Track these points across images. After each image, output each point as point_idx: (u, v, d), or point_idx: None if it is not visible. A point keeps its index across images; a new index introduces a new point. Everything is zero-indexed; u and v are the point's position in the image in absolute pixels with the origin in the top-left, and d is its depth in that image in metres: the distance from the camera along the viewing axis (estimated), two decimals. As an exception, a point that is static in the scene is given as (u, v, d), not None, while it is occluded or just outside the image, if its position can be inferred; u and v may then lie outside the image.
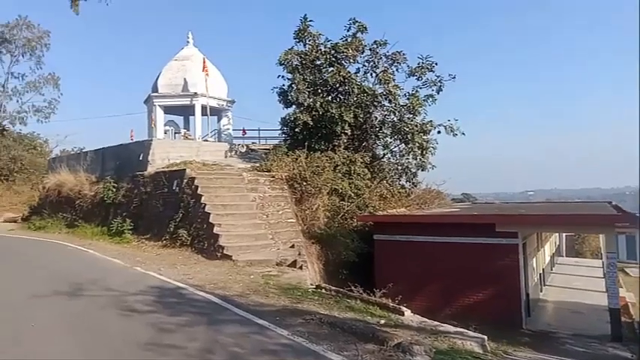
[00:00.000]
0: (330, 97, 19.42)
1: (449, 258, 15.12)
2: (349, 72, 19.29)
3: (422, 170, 21.98)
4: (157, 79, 23.97)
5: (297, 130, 18.71)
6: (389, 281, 12.61)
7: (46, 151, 39.25)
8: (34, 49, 36.49)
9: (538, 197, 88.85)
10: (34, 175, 35.22)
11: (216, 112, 24.42)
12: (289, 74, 20.51)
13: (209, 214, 13.75)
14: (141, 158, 19.26)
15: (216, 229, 13.17)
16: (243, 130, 24.55)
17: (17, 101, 35.21)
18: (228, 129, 25.04)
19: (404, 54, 20.82)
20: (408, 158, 21.64)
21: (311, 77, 19.59)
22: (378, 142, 21.89)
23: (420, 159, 21.21)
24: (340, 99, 19.48)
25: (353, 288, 9.68)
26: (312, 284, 10.19)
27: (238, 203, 14.88)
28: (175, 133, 23.94)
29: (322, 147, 19.15)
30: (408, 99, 20.54)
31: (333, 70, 18.90)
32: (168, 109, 24.26)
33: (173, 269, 11.61)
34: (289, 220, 14.70)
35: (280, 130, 21.07)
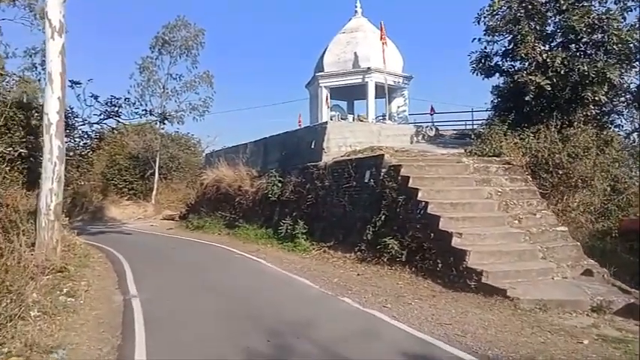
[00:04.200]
0: (570, 52, 13.54)
1: None
2: (609, 10, 13.18)
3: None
4: (321, 56, 20.29)
5: (527, 98, 13.19)
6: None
7: (199, 150, 39.32)
8: (191, 48, 36.13)
9: None
10: (188, 173, 35.09)
11: (390, 91, 19.89)
12: (494, 32, 15.03)
13: (437, 217, 9.08)
14: (313, 146, 15.54)
15: (455, 242, 8.45)
16: (432, 109, 19.67)
17: (175, 101, 35.09)
18: (404, 110, 20.40)
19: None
20: None
21: (539, 26, 13.92)
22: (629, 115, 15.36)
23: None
24: (587, 53, 13.50)
25: None
26: None
27: (470, 201, 10.00)
28: (342, 118, 20.00)
29: (558, 122, 13.33)
30: None
31: (577, 12, 13.02)
32: (334, 92, 20.42)
33: (407, 307, 7.12)
34: (558, 229, 9.37)
35: (492, 103, 15.72)
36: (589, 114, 13.71)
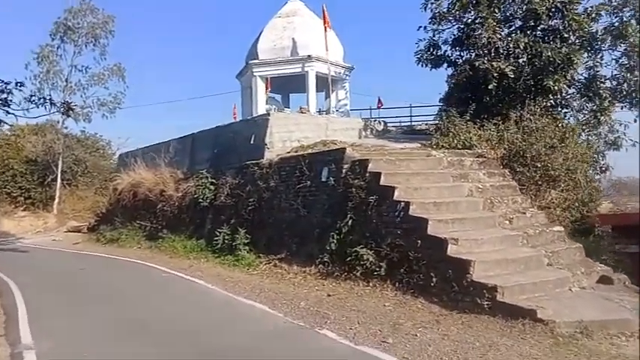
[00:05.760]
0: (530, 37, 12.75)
1: None
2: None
3: (615, 149, 15.00)
4: (255, 42, 18.15)
5: (490, 87, 12.19)
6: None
7: (109, 153, 35.17)
8: (98, 37, 32.14)
9: None
10: (97, 179, 31.05)
11: (332, 83, 18.21)
12: (441, 20, 14.06)
13: (424, 220, 7.52)
14: (253, 142, 13.46)
15: (451, 249, 6.91)
16: (380, 102, 18.27)
17: (81, 96, 30.80)
18: (345, 104, 18.89)
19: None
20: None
21: (498, 10, 13.02)
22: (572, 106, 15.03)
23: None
24: (546, 39, 12.80)
25: None
26: None
27: (453, 200, 8.59)
28: (278, 111, 18.06)
29: (519, 112, 12.51)
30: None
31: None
32: (270, 82, 18.35)
33: (414, 341, 5.42)
34: (555, 229, 8.23)
35: (446, 94, 14.60)
36: (548, 104, 13.09)
